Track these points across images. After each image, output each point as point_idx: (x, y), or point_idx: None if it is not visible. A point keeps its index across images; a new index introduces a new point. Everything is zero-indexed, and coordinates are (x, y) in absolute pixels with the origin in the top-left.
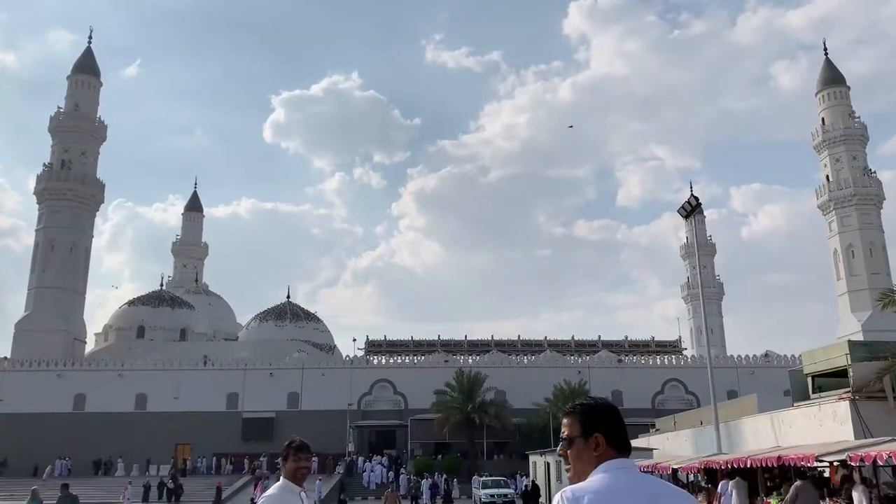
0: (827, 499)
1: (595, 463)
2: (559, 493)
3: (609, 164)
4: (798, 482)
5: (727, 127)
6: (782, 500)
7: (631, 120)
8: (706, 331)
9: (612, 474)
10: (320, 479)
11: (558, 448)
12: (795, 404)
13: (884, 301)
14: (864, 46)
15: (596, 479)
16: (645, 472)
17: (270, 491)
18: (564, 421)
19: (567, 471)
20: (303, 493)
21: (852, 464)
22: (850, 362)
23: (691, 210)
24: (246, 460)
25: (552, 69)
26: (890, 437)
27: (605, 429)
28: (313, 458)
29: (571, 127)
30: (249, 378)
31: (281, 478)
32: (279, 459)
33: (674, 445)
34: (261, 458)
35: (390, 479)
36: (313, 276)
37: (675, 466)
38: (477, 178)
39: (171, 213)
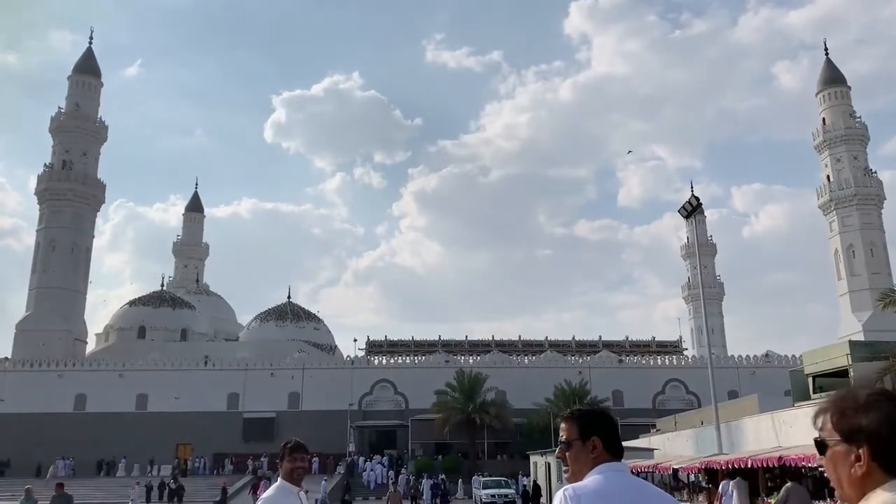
0: (828, 499)
1: (591, 464)
2: (561, 491)
3: (610, 163)
4: (788, 483)
5: (728, 127)
6: None
7: (632, 120)
8: (707, 331)
9: (606, 475)
10: (326, 480)
11: (557, 451)
12: (796, 404)
13: (885, 301)
14: (864, 46)
15: (593, 478)
16: (645, 472)
17: (268, 492)
18: (563, 426)
19: (565, 471)
20: (301, 493)
21: None
22: (850, 362)
23: (692, 210)
24: (250, 461)
25: (553, 69)
26: None
27: (601, 433)
28: (314, 459)
29: (630, 152)
30: (250, 378)
31: (279, 478)
32: (277, 460)
33: (675, 445)
34: (262, 459)
35: (391, 479)
36: (314, 277)
37: (676, 466)
38: (478, 178)
39: (171, 214)
